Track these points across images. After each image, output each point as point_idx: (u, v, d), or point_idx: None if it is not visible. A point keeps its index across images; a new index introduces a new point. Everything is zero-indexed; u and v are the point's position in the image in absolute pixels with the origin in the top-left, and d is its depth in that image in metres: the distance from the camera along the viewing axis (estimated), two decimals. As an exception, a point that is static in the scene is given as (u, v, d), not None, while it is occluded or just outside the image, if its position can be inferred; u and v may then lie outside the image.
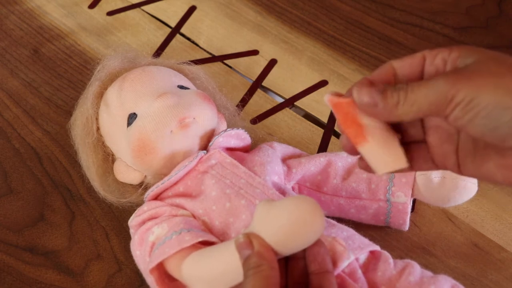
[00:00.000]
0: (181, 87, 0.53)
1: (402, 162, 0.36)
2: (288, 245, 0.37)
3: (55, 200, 0.58)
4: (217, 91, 0.58)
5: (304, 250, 0.39)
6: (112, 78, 0.55)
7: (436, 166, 0.37)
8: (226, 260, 0.39)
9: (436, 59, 0.34)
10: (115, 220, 0.56)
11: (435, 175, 0.49)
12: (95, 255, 0.54)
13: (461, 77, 0.32)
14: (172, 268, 0.44)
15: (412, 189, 0.50)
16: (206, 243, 0.44)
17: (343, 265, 0.42)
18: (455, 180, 0.49)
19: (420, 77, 0.35)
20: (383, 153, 0.36)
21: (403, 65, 0.35)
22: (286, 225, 0.36)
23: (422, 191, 0.50)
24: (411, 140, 0.38)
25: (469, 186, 0.49)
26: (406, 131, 0.38)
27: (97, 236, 0.55)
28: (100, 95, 0.54)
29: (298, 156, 0.54)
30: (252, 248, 0.37)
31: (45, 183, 0.59)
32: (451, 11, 0.76)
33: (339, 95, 0.36)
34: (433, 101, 0.32)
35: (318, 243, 0.39)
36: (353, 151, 0.37)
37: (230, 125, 0.56)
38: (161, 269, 0.45)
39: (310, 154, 0.54)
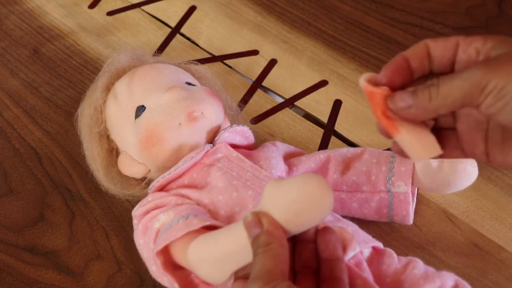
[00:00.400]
0: (189, 83, 0.54)
1: (436, 150, 0.36)
2: (298, 222, 0.36)
3: (55, 200, 0.58)
4: (223, 91, 0.59)
5: (314, 234, 0.39)
6: (119, 74, 0.55)
7: (465, 154, 0.38)
8: (234, 240, 0.39)
9: (469, 47, 0.35)
10: (115, 220, 0.56)
11: (433, 160, 0.49)
12: (95, 255, 0.54)
13: (493, 66, 0.32)
14: (178, 252, 0.44)
15: (412, 178, 0.50)
16: (212, 229, 0.43)
17: (350, 253, 0.43)
18: (454, 163, 0.48)
19: (451, 61, 0.36)
20: (417, 143, 0.36)
21: (437, 46, 0.36)
22: (296, 202, 0.36)
23: (421, 178, 0.49)
24: (441, 126, 0.38)
25: (468, 169, 0.48)
26: (437, 118, 0.38)
27: (97, 236, 0.55)
28: (108, 88, 0.55)
29: (300, 155, 0.54)
30: (261, 226, 0.36)
31: (45, 183, 0.59)
32: (451, 11, 0.76)
33: (374, 81, 0.37)
34: (467, 91, 0.32)
35: (329, 231, 0.39)
36: (388, 135, 0.38)
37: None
38: (166, 257, 0.44)
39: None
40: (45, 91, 0.68)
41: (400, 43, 0.72)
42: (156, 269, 0.46)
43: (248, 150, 0.54)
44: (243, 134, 0.53)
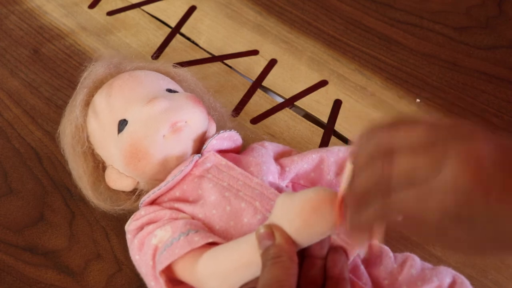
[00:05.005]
0: (169, 90, 0.53)
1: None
2: (307, 232, 0.37)
3: (55, 200, 0.58)
4: (206, 92, 0.58)
5: (326, 251, 0.40)
6: (97, 85, 0.54)
7: None
8: (246, 252, 0.39)
9: None
10: (115, 220, 0.56)
11: None
12: (95, 255, 0.54)
13: None
14: (181, 268, 0.43)
15: None
16: (214, 245, 0.43)
17: (349, 260, 0.43)
18: None
19: None
20: None
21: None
22: (306, 211, 0.36)
23: None
24: None
25: None
26: None
27: (97, 236, 0.55)
28: (88, 103, 0.54)
29: (289, 153, 0.54)
30: (274, 239, 0.37)
31: (45, 183, 0.59)
32: (451, 11, 0.76)
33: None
34: None
35: (339, 251, 0.40)
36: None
37: (219, 126, 0.56)
38: (166, 273, 0.44)
39: (302, 152, 0.54)
40: (45, 91, 0.68)
41: (400, 43, 0.72)
42: (155, 285, 0.45)
43: (236, 153, 0.53)
44: (230, 138, 0.53)
